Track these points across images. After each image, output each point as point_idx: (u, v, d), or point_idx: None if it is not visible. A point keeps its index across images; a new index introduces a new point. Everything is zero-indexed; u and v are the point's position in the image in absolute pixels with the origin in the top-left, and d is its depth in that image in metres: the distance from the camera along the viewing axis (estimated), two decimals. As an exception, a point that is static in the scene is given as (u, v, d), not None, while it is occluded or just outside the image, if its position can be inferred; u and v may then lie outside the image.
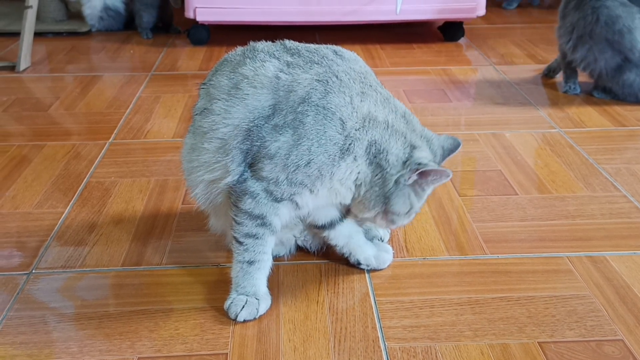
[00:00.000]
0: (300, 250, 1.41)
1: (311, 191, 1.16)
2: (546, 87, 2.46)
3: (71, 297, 1.28)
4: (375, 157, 1.16)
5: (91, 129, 2.10)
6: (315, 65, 1.17)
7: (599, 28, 2.20)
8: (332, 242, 1.33)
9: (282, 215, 1.20)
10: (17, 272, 1.35)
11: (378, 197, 1.18)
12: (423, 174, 1.16)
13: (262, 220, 1.18)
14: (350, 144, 1.14)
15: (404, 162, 1.16)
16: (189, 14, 2.93)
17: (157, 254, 1.42)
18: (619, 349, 1.13)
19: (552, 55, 2.82)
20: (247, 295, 1.21)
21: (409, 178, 1.16)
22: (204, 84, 1.27)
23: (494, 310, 1.23)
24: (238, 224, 1.19)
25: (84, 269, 1.37)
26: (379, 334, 1.17)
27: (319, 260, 1.38)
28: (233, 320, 1.20)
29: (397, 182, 1.17)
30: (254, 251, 1.20)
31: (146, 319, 1.21)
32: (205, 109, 1.22)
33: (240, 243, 1.20)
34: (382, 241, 1.41)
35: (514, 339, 1.15)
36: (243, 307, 1.20)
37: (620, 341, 1.15)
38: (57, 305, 1.26)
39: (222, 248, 1.42)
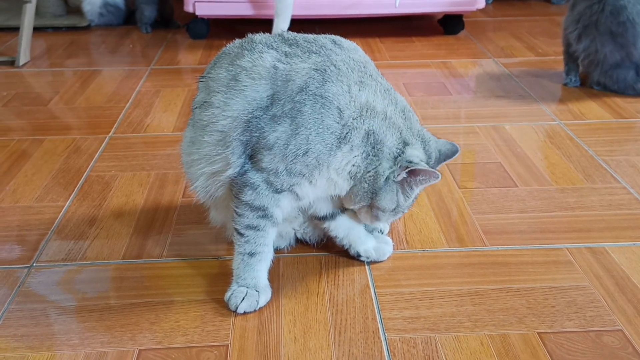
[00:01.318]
0: (300, 242, 1.41)
1: (310, 182, 1.16)
2: (546, 79, 2.46)
3: (72, 290, 1.28)
4: (373, 147, 1.16)
5: (91, 123, 2.10)
6: (313, 54, 1.17)
7: (604, 18, 2.18)
8: (332, 234, 1.33)
9: (283, 207, 1.20)
10: (18, 266, 1.36)
11: (366, 191, 1.18)
12: (412, 173, 1.17)
13: (263, 212, 1.18)
14: (347, 133, 1.14)
15: (395, 158, 1.16)
16: (189, 8, 2.93)
17: (158, 246, 1.42)
18: (618, 339, 1.13)
19: (552, 48, 2.82)
20: (247, 287, 1.21)
21: (398, 175, 1.16)
22: (202, 77, 1.27)
23: (493, 301, 1.23)
24: (239, 215, 1.19)
25: (85, 262, 1.37)
26: (379, 325, 1.17)
27: (319, 252, 1.38)
28: (233, 311, 1.20)
29: (387, 177, 1.17)
30: (255, 243, 1.20)
31: (147, 311, 1.22)
32: (204, 102, 1.22)
33: (242, 235, 1.20)
34: (382, 233, 1.42)
35: (513, 329, 1.16)
36: (243, 298, 1.20)
37: (620, 331, 1.15)
38: (58, 298, 1.26)
39: (222, 241, 1.43)
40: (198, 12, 2.93)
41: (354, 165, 1.17)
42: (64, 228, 1.49)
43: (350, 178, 1.18)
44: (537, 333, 1.15)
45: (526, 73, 2.53)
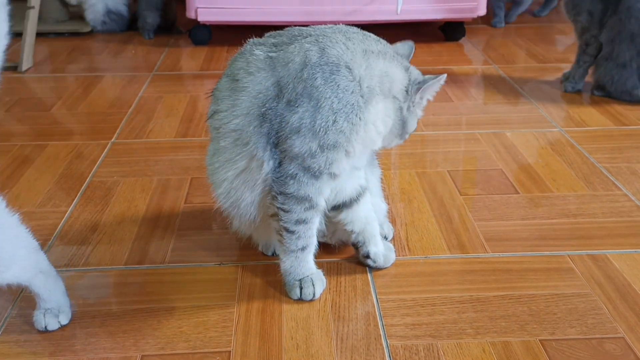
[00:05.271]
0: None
1: (347, 152, 1.18)
2: (547, 86, 2.46)
3: (74, 295, 1.28)
4: (389, 90, 1.21)
5: (93, 129, 2.10)
6: (298, 37, 1.21)
7: (629, 25, 2.16)
8: (348, 227, 1.31)
9: (323, 192, 1.22)
10: (21, 271, 1.36)
11: (398, 126, 1.24)
12: (423, 89, 1.24)
13: (309, 203, 1.20)
14: (366, 86, 1.18)
15: (407, 86, 1.23)
16: (191, 14, 2.94)
17: (160, 252, 1.42)
18: (620, 346, 1.13)
19: (553, 55, 2.83)
20: (305, 277, 1.26)
21: (416, 101, 1.24)
22: (213, 90, 1.29)
23: (495, 308, 1.23)
24: (287, 212, 1.21)
25: (87, 268, 1.37)
26: (381, 332, 1.17)
27: (321, 258, 1.38)
28: (310, 300, 1.25)
29: (408, 107, 1.23)
30: (305, 236, 1.23)
31: (149, 317, 1.22)
32: (214, 111, 1.25)
33: (292, 232, 1.22)
34: (387, 239, 1.42)
35: (515, 336, 1.16)
36: (313, 284, 1.25)
37: (621, 339, 1.15)
38: (61, 304, 1.26)
39: (225, 247, 1.43)
40: (200, 19, 2.94)
41: (384, 111, 1.22)
42: (67, 234, 1.50)
43: (384, 127, 1.23)
44: (539, 340, 1.15)
45: (527, 80, 2.54)
